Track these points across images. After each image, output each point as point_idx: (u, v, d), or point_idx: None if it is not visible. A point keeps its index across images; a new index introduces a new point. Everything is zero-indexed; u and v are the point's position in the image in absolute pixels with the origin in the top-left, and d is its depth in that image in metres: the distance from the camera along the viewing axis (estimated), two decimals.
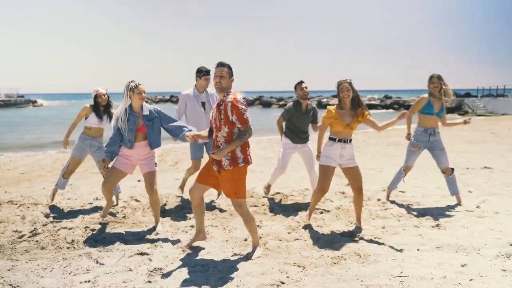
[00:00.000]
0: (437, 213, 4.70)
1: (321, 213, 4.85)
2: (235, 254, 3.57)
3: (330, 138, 4.24)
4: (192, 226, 4.41)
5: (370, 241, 3.87)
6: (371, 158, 9.40)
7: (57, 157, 10.52)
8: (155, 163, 4.34)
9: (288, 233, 4.16)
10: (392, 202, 5.27)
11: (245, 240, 3.94)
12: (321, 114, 4.42)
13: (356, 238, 3.93)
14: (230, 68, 3.48)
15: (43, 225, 4.42)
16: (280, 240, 3.94)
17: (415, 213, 4.72)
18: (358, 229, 4.23)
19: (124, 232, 4.22)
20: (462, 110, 32.83)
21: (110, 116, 5.18)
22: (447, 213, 4.72)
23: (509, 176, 6.74)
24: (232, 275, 3.11)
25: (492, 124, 19.13)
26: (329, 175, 4.19)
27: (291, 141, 5.35)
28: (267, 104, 49.44)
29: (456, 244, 3.71)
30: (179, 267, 3.30)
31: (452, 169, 5.14)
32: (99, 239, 4.00)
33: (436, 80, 4.99)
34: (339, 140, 4.15)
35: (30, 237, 4.07)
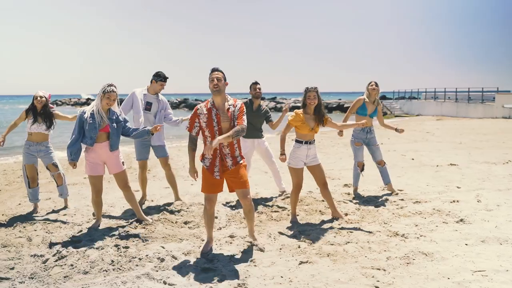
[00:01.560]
0: (450, 209, 5.02)
1: (346, 214, 4.93)
2: (305, 262, 3.49)
3: (296, 141, 4.63)
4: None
5: (419, 239, 4.02)
6: (340, 159, 9.74)
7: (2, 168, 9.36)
8: (122, 162, 4.52)
9: (334, 236, 4.17)
10: (401, 200, 5.52)
11: (299, 247, 3.87)
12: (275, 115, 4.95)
13: (407, 238, 4.05)
14: (223, 73, 3.72)
15: (62, 246, 3.94)
16: (333, 244, 3.94)
17: (430, 210, 4.99)
18: (341, 219, 4.73)
19: (162, 248, 3.90)
20: (382, 111, 35.47)
21: (51, 122, 5.15)
22: (458, 208, 5.06)
23: (478, 172, 7.43)
24: (321, 285, 3.04)
25: (419, 124, 20.86)
26: (300, 174, 4.63)
27: (245, 138, 5.60)
28: (192, 107, 48.84)
29: (494, 236, 4.01)
30: (259, 278, 3.16)
31: (384, 162, 5.99)
32: (143, 257, 3.66)
33: (375, 85, 5.83)
34: (305, 142, 4.58)
35: (57, 260, 3.61)
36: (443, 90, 30.35)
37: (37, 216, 5.05)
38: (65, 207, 5.41)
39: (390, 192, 5.99)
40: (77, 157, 4.33)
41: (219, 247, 3.95)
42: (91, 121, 4.25)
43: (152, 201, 5.77)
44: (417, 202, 5.41)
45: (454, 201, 5.37)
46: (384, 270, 3.28)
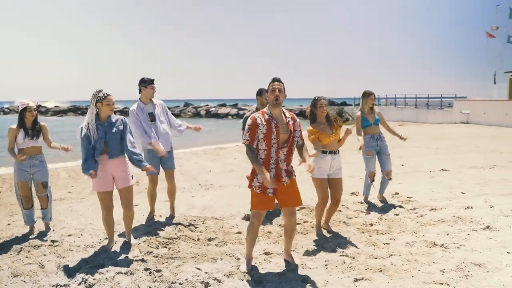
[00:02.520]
0: (470, 216, 5.03)
1: (371, 225, 4.82)
2: (361, 279, 3.33)
3: (321, 151, 4.47)
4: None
5: (459, 248, 3.96)
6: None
7: None
8: (132, 176, 4.15)
9: (373, 249, 4.03)
10: (416, 208, 5.49)
11: (344, 262, 3.70)
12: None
13: (448, 248, 3.98)
14: (283, 84, 3.52)
15: (86, 273, 3.52)
16: (377, 258, 3.80)
17: (451, 218, 4.98)
18: (330, 231, 4.62)
19: (199, 269, 3.59)
20: (344, 117, 36.25)
21: (37, 132, 4.67)
22: (476, 214, 5.09)
23: (471, 177, 7.60)
24: None
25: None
26: (326, 186, 4.48)
27: None
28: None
29: None
30: None
31: (391, 174, 5.91)
32: (183, 281, 3.34)
33: (373, 98, 5.81)
34: (330, 152, 4.45)
35: None
36: (403, 97, 31.46)
37: (38, 238, 4.53)
38: (48, 230, 4.80)
39: (399, 200, 5.97)
40: (95, 166, 3.88)
41: (259, 266, 3.70)
42: (96, 134, 3.92)
43: (160, 216, 5.39)
44: (433, 209, 5.40)
45: (468, 207, 5.40)
46: (448, 284, 3.18)
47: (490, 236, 4.28)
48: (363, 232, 4.58)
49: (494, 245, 4.03)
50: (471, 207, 5.41)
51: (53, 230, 4.81)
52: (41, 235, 4.64)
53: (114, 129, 4.01)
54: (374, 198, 6.04)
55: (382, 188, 5.96)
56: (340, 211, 5.36)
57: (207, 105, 54.72)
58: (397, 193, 6.35)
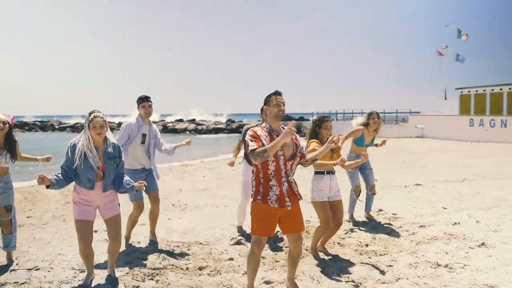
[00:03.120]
0: (461, 232, 4.98)
1: (367, 245, 4.63)
2: None
3: (317, 173, 4.30)
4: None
5: (465, 268, 3.84)
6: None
7: None
8: (118, 204, 3.72)
9: (378, 273, 3.82)
10: (404, 225, 5.39)
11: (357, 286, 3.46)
12: None
13: (453, 268, 3.85)
14: None
15: None
16: (384, 283, 3.59)
17: (443, 235, 4.91)
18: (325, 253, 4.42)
19: None
20: (302, 132, 36.74)
21: (12, 151, 4.14)
22: (467, 231, 5.05)
23: (446, 191, 7.70)
24: None
25: (347, 144, 21.73)
26: (328, 208, 4.22)
27: (250, 165, 5.05)
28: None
29: None
30: None
31: (375, 189, 5.79)
32: None
33: (376, 117, 5.65)
34: (327, 173, 4.25)
35: None
36: (360, 112, 32.32)
37: None
38: (11, 263, 4.21)
39: (386, 218, 5.87)
40: (61, 184, 3.41)
41: None
42: (84, 159, 3.43)
43: (139, 242, 4.91)
44: (422, 226, 5.32)
45: (456, 223, 5.38)
46: None
47: (489, 254, 4.21)
48: (361, 254, 4.38)
49: (497, 263, 3.95)
50: (458, 223, 5.38)
51: (17, 264, 4.21)
52: (2, 270, 4.04)
53: (114, 160, 3.60)
54: (359, 216, 5.89)
55: (368, 205, 5.83)
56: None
57: (164, 120, 53.65)
58: (381, 210, 6.26)
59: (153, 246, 4.75)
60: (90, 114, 3.49)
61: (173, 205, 7.19)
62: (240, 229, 5.31)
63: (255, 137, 3.14)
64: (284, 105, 3.24)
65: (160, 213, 6.40)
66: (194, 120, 53.78)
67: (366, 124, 5.68)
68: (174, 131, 45.78)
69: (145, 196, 4.74)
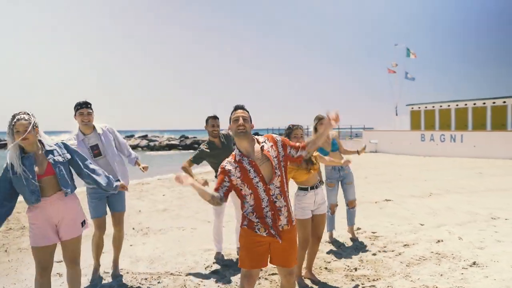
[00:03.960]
0: (448, 251, 4.77)
1: (356, 269, 4.27)
2: None
3: (300, 189, 3.95)
4: None
5: None
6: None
7: None
8: (83, 222, 3.19)
9: None
10: (387, 244, 5.12)
11: None
12: None
13: None
14: (248, 112, 2.95)
15: None
16: None
17: (430, 255, 4.67)
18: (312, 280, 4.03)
19: None
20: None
21: None
22: (453, 249, 4.85)
23: (417, 206, 7.59)
24: None
25: None
26: (308, 226, 3.88)
27: None
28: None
29: None
30: None
31: (355, 203, 5.50)
32: None
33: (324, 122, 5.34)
34: (312, 188, 3.90)
35: None
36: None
37: None
38: None
39: (366, 237, 5.56)
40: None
41: None
42: (13, 171, 2.91)
43: (107, 272, 4.25)
44: (406, 245, 5.07)
45: (439, 241, 5.17)
46: None
47: (485, 275, 3.98)
48: (352, 280, 4.01)
49: (497, 285, 3.72)
50: (442, 241, 5.19)
51: None
52: None
53: (63, 156, 3.12)
54: (340, 235, 5.56)
55: (350, 219, 5.51)
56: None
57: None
58: (359, 228, 5.97)
59: (117, 280, 4.12)
60: (13, 117, 2.93)
61: (133, 228, 6.51)
62: (218, 256, 4.76)
63: (220, 177, 2.81)
64: (245, 119, 2.80)
65: (129, 239, 5.77)
66: (146, 136, 52.11)
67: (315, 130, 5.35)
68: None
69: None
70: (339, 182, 5.42)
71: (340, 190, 5.46)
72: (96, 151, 4.04)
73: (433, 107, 24.32)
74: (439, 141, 20.76)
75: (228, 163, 2.79)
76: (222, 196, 2.75)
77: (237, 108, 2.88)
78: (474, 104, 22.55)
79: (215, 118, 4.78)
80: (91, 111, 4.06)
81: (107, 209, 4.19)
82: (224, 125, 4.75)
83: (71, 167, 3.19)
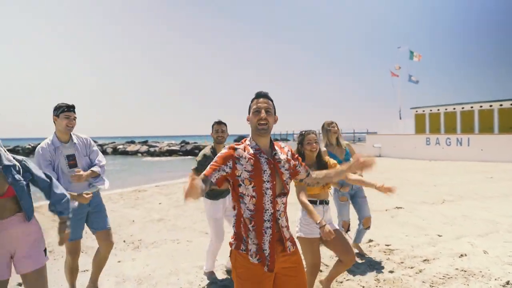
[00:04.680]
0: (475, 267, 4.24)
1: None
2: None
3: (310, 202, 3.37)
4: None
5: None
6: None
7: None
8: (45, 250, 2.65)
9: None
10: (405, 260, 4.57)
11: None
12: None
13: None
14: (273, 101, 2.39)
15: None
16: None
17: (455, 272, 4.14)
18: None
19: None
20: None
21: None
22: (481, 265, 4.32)
23: (431, 215, 7.05)
24: None
25: None
26: (317, 248, 3.36)
27: (213, 200, 4.18)
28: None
29: None
30: None
31: (370, 222, 4.80)
32: None
33: (336, 126, 4.78)
34: (321, 203, 3.40)
35: None
36: (319, 132, 32.19)
37: None
38: None
39: (380, 250, 5.02)
40: None
41: None
42: None
43: None
44: (426, 260, 4.53)
45: (462, 255, 4.64)
46: None
47: None
48: None
49: None
50: (465, 255, 4.65)
51: None
52: None
53: (24, 175, 2.59)
54: None
55: (358, 236, 4.90)
56: (321, 271, 4.22)
57: (114, 142, 51.11)
58: (371, 240, 5.44)
59: None
60: None
61: (124, 241, 5.97)
62: (210, 276, 4.23)
63: (221, 159, 2.23)
64: (268, 112, 2.28)
65: (117, 255, 5.24)
66: (146, 141, 51.67)
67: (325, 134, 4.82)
68: (125, 153, 43.57)
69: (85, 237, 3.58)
70: (351, 196, 4.82)
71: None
72: (72, 161, 3.52)
73: (438, 110, 23.83)
74: (445, 144, 20.24)
75: (240, 149, 2.26)
76: (213, 183, 2.16)
77: (259, 95, 2.33)
78: (481, 106, 22.05)
79: (220, 123, 4.24)
80: (76, 116, 3.57)
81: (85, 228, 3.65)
82: (233, 128, 4.25)
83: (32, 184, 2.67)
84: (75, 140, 3.60)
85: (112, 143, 49.48)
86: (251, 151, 2.27)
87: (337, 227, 3.43)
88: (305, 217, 3.34)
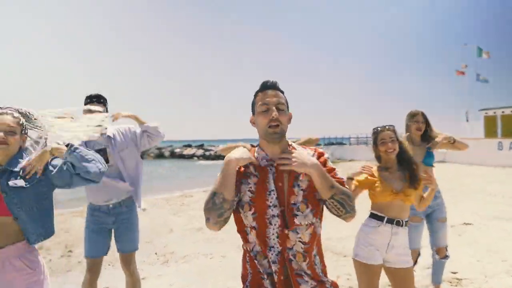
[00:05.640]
0: None
1: None
2: None
3: (373, 216, 2.66)
4: None
5: None
6: None
7: None
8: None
9: None
10: None
11: None
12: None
13: None
14: (284, 94, 1.77)
15: None
16: None
17: None
18: None
19: None
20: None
21: None
22: None
23: (507, 233, 5.98)
24: None
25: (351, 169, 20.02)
26: (375, 277, 2.55)
27: None
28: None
29: None
30: None
31: (447, 251, 3.68)
32: None
33: (421, 119, 3.59)
34: (389, 221, 2.58)
35: None
36: None
37: None
38: None
39: (446, 280, 4.12)
40: None
41: None
42: None
43: None
44: None
45: None
46: None
47: None
48: None
49: None
50: None
51: None
52: None
53: (33, 183, 1.97)
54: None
55: (437, 274, 3.72)
56: None
57: (171, 146, 52.43)
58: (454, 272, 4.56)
59: None
60: None
61: (156, 253, 5.57)
62: None
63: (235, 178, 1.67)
64: (280, 109, 1.67)
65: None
66: (202, 145, 52.46)
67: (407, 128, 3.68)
68: (182, 157, 44.43)
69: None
70: (427, 216, 3.63)
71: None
72: (103, 156, 3.07)
73: None
74: None
75: (244, 159, 1.66)
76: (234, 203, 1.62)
77: (265, 86, 1.71)
78: None
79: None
80: (101, 109, 3.10)
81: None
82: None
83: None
84: (109, 133, 3.15)
85: (169, 146, 50.75)
86: (262, 163, 1.68)
87: (408, 264, 2.61)
88: (365, 233, 2.63)
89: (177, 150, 46.86)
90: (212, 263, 5.05)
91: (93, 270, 3.07)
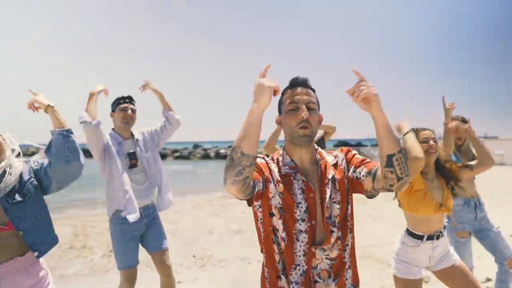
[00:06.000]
0: None
1: None
2: None
3: (409, 234, 2.45)
4: None
5: None
6: None
7: None
8: None
9: None
10: None
11: None
12: None
13: None
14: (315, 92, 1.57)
15: None
16: None
17: None
18: None
19: None
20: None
21: None
22: None
23: None
24: None
25: None
26: None
27: None
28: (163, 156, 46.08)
29: None
30: None
31: None
32: None
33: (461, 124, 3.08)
34: (429, 238, 2.39)
35: None
36: None
37: None
38: None
39: None
40: None
41: None
42: None
43: None
44: None
45: None
46: None
47: None
48: None
49: None
50: None
51: None
52: None
53: (32, 193, 1.89)
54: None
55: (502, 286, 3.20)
56: None
57: (217, 146, 53.14)
58: (489, 279, 4.18)
59: None
60: None
61: (194, 256, 5.53)
62: None
63: (261, 170, 1.47)
64: (311, 108, 1.48)
65: (173, 269, 4.80)
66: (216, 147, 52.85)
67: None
68: (225, 157, 44.92)
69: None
70: (475, 230, 3.24)
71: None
72: (133, 160, 3.06)
73: None
74: None
75: (271, 164, 1.54)
76: (252, 195, 1.38)
77: (295, 83, 1.53)
78: None
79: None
80: (135, 108, 3.10)
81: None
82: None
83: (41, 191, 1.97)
84: (137, 136, 3.14)
85: (215, 147, 51.46)
86: (284, 170, 1.50)
87: (457, 261, 2.43)
88: (404, 252, 2.43)
89: (222, 151, 47.41)
90: (249, 269, 4.91)
91: (130, 278, 3.00)
